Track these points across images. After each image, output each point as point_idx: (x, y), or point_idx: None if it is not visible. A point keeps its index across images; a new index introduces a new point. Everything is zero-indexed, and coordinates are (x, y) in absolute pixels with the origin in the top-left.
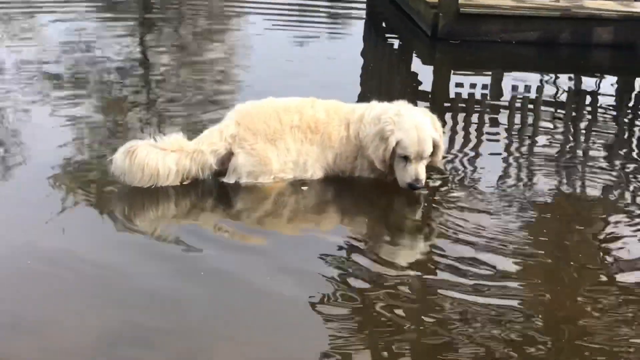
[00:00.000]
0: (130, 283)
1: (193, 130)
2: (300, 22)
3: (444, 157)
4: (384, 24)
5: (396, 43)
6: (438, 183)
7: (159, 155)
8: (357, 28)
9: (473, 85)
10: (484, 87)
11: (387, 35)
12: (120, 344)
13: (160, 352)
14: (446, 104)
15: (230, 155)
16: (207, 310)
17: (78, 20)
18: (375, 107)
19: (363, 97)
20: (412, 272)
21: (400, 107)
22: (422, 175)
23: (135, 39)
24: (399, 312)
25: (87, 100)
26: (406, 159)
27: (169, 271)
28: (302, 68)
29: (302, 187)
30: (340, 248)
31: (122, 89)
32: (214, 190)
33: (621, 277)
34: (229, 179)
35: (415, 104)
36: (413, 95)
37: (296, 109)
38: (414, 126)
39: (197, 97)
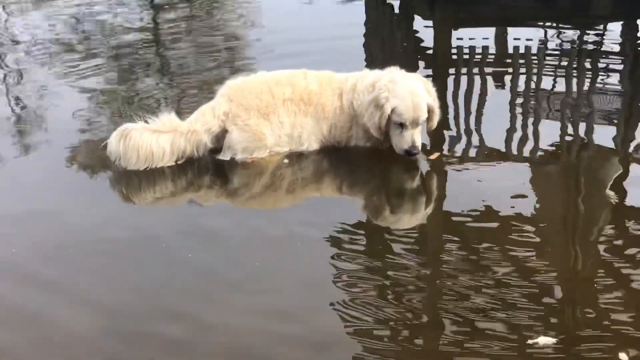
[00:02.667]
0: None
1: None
2: None
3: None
4: None
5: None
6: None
7: (152, 137)
8: None
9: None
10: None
11: None
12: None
13: None
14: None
15: (224, 132)
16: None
17: None
18: (368, 75)
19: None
20: (414, 237)
21: (394, 74)
22: (418, 141)
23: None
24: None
25: (102, 71)
26: (402, 125)
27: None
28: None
29: (284, 161)
30: (341, 216)
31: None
32: (210, 167)
33: None
34: (225, 156)
35: (417, 63)
36: (415, 53)
37: (288, 81)
38: (408, 92)
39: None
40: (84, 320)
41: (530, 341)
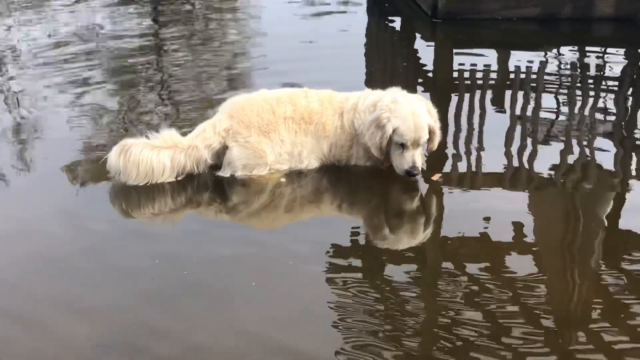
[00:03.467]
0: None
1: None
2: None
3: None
4: (386, 4)
5: (398, 24)
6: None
7: (153, 152)
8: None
9: (474, 65)
10: (486, 66)
11: (389, 17)
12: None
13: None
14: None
15: (224, 149)
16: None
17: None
18: (370, 95)
19: (369, 75)
20: (412, 258)
21: (396, 94)
22: (419, 162)
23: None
24: (401, 295)
25: (102, 85)
26: (403, 146)
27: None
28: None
29: (281, 180)
30: (338, 236)
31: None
32: (210, 184)
33: None
34: (225, 173)
35: (417, 84)
36: (415, 74)
37: (289, 99)
38: (410, 113)
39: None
40: (76, 334)
41: None
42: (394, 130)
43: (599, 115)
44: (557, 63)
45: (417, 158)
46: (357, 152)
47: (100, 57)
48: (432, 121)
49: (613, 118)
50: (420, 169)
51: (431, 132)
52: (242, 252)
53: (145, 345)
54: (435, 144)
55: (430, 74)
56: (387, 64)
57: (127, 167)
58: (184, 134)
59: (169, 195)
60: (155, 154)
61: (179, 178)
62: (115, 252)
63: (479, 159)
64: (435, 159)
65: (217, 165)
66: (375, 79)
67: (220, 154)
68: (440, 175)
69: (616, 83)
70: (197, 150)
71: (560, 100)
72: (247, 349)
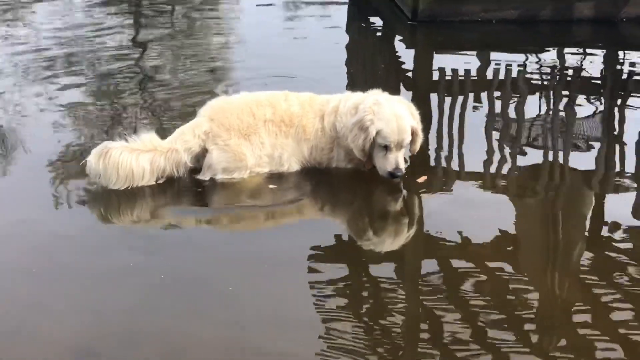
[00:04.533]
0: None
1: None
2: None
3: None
4: (367, 6)
5: (379, 26)
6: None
7: (132, 156)
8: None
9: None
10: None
11: (370, 18)
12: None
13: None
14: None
15: (204, 152)
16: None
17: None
18: (351, 97)
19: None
20: (395, 259)
21: (378, 96)
22: (402, 164)
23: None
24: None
25: (83, 88)
26: (386, 148)
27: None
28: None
29: (270, 186)
30: (323, 238)
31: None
32: (191, 187)
33: None
34: (204, 176)
35: (399, 86)
36: (396, 76)
37: (269, 102)
38: (393, 115)
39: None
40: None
41: None
42: (377, 133)
43: (578, 116)
44: (537, 64)
45: (400, 160)
46: (337, 155)
47: (80, 59)
48: (415, 123)
49: (593, 118)
50: (403, 170)
51: (414, 134)
52: (220, 256)
53: (124, 350)
54: (417, 146)
55: (410, 75)
56: (366, 66)
57: (107, 170)
58: (164, 137)
59: (149, 199)
60: (135, 157)
61: (159, 182)
62: (94, 256)
63: (460, 160)
64: (419, 161)
65: (197, 169)
66: (356, 80)
67: (200, 157)
68: (425, 177)
69: (596, 83)
70: (177, 154)
71: (540, 101)
72: (226, 352)
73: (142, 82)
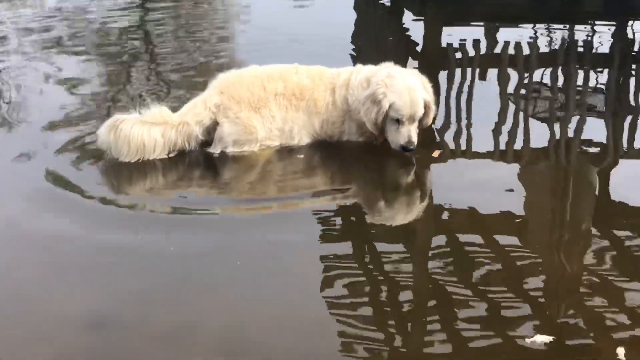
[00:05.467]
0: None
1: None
2: None
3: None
4: None
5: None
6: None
7: (144, 128)
8: None
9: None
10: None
11: None
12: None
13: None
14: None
15: (215, 125)
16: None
17: None
18: (362, 70)
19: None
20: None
21: (390, 69)
22: (414, 137)
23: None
24: (395, 272)
25: (90, 64)
26: (399, 121)
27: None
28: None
29: (298, 156)
30: (333, 211)
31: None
32: (202, 160)
33: None
34: (215, 149)
35: (407, 59)
36: (405, 49)
37: (280, 76)
38: (406, 88)
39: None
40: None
41: (527, 340)
42: (390, 106)
43: (588, 91)
44: (547, 38)
45: (412, 133)
46: (349, 128)
47: (86, 37)
48: (428, 96)
49: (603, 94)
50: (415, 144)
51: (426, 107)
52: (230, 229)
53: (132, 324)
54: (430, 119)
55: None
56: (375, 40)
57: (117, 143)
58: (174, 110)
59: (160, 172)
60: (146, 130)
61: (170, 155)
62: (104, 229)
63: (469, 134)
64: (430, 135)
65: (208, 142)
66: (364, 54)
67: (211, 130)
68: (440, 151)
69: (606, 59)
70: (188, 127)
71: (550, 76)
72: (238, 327)
73: (150, 55)
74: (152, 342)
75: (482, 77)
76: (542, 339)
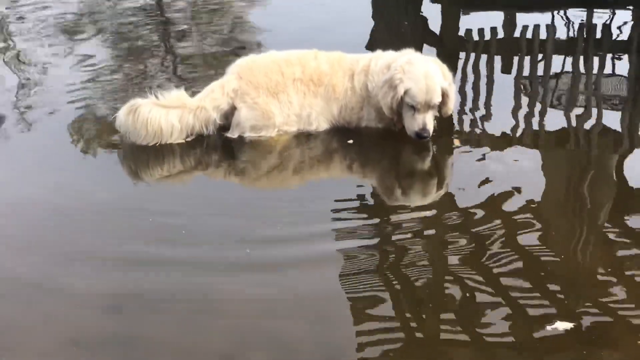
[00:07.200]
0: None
1: None
2: None
3: None
4: None
5: None
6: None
7: (161, 112)
8: None
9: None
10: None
11: None
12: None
13: None
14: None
15: (233, 109)
16: None
17: None
18: (383, 56)
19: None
20: (425, 216)
21: (411, 56)
22: (430, 125)
23: None
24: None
25: (108, 50)
26: (414, 108)
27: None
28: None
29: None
30: (350, 197)
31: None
32: (219, 145)
33: None
34: (233, 134)
35: (422, 46)
36: (421, 35)
37: (298, 61)
38: (423, 75)
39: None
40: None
41: (548, 327)
42: (405, 92)
43: (605, 78)
44: (565, 24)
45: (427, 120)
46: (368, 114)
47: (104, 21)
48: (447, 84)
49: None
50: (430, 131)
51: (445, 96)
52: (245, 212)
53: (147, 309)
54: (449, 108)
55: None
56: (392, 25)
57: (136, 126)
58: (192, 95)
59: (178, 156)
60: (164, 114)
61: (188, 139)
62: (120, 212)
63: (485, 119)
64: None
65: (225, 127)
66: (380, 39)
67: (229, 115)
68: (459, 141)
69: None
70: (206, 111)
71: (567, 63)
72: (254, 309)
73: (167, 40)
74: None
75: (503, 63)
76: (563, 325)
